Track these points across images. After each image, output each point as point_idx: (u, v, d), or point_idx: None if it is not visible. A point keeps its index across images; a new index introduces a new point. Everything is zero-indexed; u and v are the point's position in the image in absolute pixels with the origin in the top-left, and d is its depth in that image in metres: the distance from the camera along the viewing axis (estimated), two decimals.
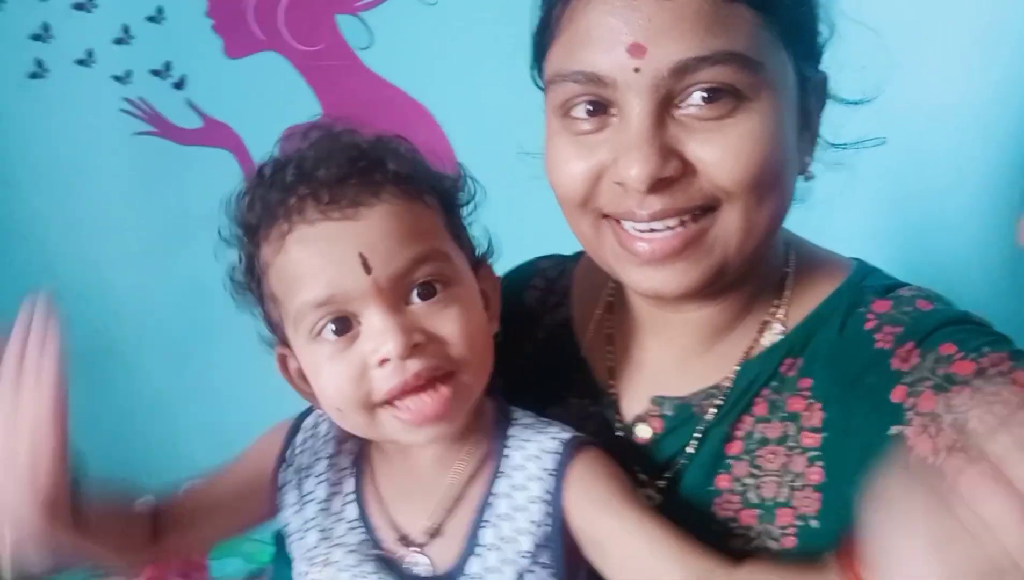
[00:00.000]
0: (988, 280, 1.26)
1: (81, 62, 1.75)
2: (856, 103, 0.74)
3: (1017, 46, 1.17)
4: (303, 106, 1.78)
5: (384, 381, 0.64)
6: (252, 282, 0.70)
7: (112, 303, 1.89)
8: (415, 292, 0.65)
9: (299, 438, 0.78)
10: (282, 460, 0.76)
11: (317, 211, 0.63)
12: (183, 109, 1.80)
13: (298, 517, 0.74)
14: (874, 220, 1.40)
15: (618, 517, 0.66)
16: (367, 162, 0.66)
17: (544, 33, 0.68)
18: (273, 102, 1.75)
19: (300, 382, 0.71)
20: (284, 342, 0.70)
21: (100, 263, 1.86)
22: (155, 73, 1.78)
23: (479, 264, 0.73)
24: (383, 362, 0.63)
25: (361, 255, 0.62)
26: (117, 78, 1.77)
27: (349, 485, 0.74)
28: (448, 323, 0.65)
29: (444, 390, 0.65)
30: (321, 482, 0.74)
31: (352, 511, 0.72)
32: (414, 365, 0.63)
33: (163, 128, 1.81)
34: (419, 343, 0.64)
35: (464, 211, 0.74)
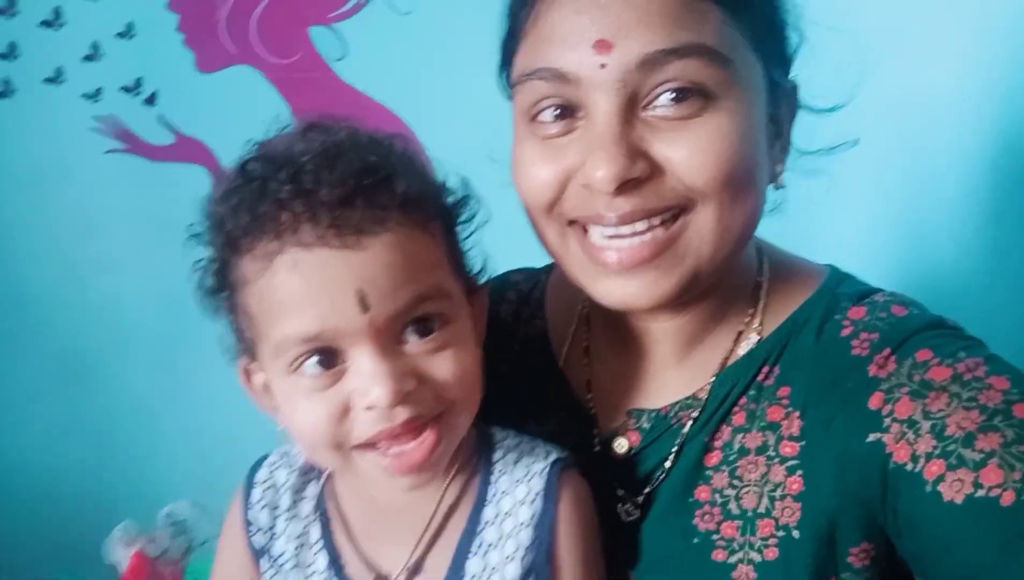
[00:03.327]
0: (973, 278, 1.27)
1: (50, 80, 1.72)
2: (828, 111, 0.73)
3: (1000, 42, 1.19)
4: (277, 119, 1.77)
5: (366, 426, 0.60)
6: (224, 289, 0.64)
7: (90, 312, 1.86)
8: (410, 328, 0.60)
9: (255, 494, 0.73)
10: (246, 525, 0.72)
11: (314, 235, 0.57)
12: (155, 125, 1.78)
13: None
14: (857, 223, 1.41)
15: None
16: (373, 181, 0.59)
17: (511, 39, 0.68)
18: (247, 116, 1.72)
19: (264, 397, 0.67)
20: (251, 355, 0.65)
21: (77, 272, 1.84)
22: (126, 90, 1.76)
23: (473, 289, 0.69)
24: (370, 408, 0.59)
25: (360, 293, 0.57)
26: (87, 96, 1.74)
27: (315, 532, 0.70)
28: (443, 365, 0.61)
29: (430, 436, 0.61)
30: (288, 539, 0.70)
31: (322, 560, 0.69)
32: (402, 413, 0.59)
33: (135, 146, 1.79)
34: (410, 391, 0.59)
35: (464, 230, 0.69)
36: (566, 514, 0.67)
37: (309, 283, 0.57)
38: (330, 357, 0.59)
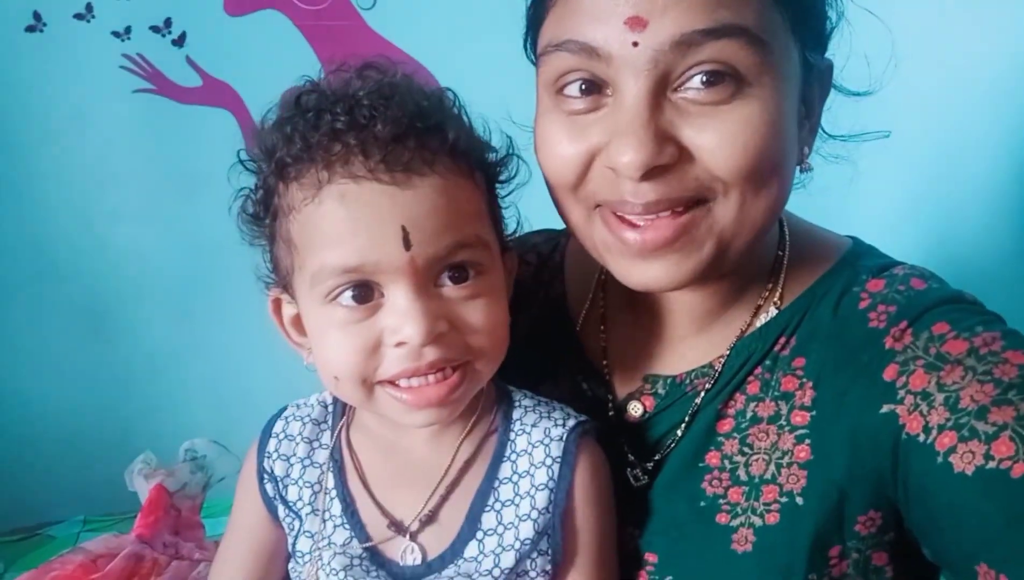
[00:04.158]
0: (1000, 265, 1.25)
1: (79, 16, 1.72)
2: (861, 95, 0.72)
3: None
4: (304, 66, 1.76)
5: (395, 363, 0.61)
6: (266, 216, 0.65)
7: (111, 259, 1.89)
8: (446, 274, 0.62)
9: (271, 445, 0.74)
10: (262, 475, 0.73)
11: (365, 168, 0.58)
12: (182, 66, 1.78)
13: (293, 528, 0.72)
14: (881, 208, 1.40)
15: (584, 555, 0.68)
16: (426, 125, 0.61)
17: (538, 7, 0.66)
18: (273, 61, 1.73)
19: (292, 331, 0.68)
20: (284, 286, 0.66)
21: (98, 220, 1.86)
22: (155, 29, 1.76)
23: (506, 248, 0.70)
24: (400, 345, 0.60)
25: (404, 229, 0.58)
26: (116, 34, 1.74)
27: (330, 479, 0.71)
28: (475, 313, 0.62)
29: (453, 378, 0.62)
30: (304, 486, 0.71)
31: (337, 506, 0.70)
32: (431, 353, 0.61)
33: (162, 86, 1.79)
34: (441, 333, 0.61)
35: (503, 189, 0.70)
36: (583, 480, 0.68)
37: (354, 215, 0.59)
38: (366, 292, 0.61)
